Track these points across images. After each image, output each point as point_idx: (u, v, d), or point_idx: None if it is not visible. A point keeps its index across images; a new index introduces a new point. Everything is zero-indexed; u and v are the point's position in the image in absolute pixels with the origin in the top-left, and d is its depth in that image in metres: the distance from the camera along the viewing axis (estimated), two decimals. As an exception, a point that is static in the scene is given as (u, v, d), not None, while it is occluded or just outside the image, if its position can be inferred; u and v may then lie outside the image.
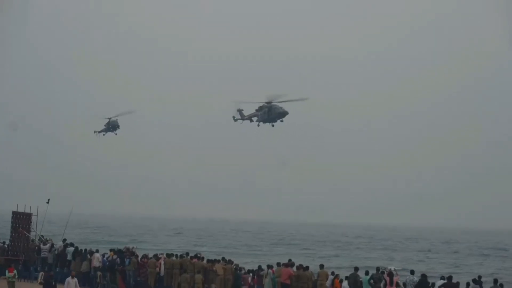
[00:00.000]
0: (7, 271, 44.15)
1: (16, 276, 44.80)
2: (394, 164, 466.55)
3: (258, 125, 77.38)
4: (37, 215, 57.48)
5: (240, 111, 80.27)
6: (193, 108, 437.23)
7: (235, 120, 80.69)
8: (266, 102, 75.58)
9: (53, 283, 39.75)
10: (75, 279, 40.16)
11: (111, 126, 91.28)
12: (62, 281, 42.24)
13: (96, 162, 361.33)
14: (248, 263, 74.30)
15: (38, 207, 57.52)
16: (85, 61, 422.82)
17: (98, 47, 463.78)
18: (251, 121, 78.75)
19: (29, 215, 57.28)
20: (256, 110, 77.57)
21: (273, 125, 75.67)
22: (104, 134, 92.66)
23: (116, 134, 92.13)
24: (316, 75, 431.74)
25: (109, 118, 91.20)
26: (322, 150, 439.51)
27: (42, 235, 57.69)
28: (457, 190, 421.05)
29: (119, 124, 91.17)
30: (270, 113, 75.05)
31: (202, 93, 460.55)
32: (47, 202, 58.38)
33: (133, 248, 53.26)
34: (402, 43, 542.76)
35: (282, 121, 74.89)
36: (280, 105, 74.56)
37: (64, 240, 55.63)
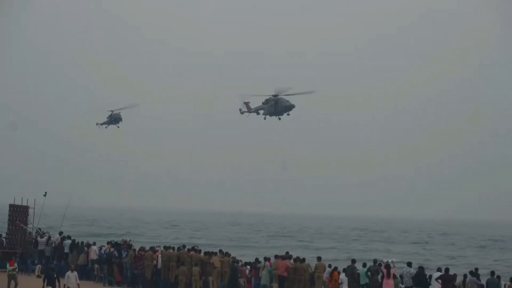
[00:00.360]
0: (8, 264, 44.03)
1: (17, 270, 44.70)
2: (392, 157, 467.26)
3: (265, 118, 76.81)
4: (34, 208, 57.40)
5: (246, 103, 79.66)
6: (193, 104, 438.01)
7: (242, 113, 79.95)
8: (272, 95, 75.04)
9: (55, 275, 39.72)
10: (75, 273, 40.13)
11: (114, 119, 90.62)
12: (60, 274, 42.14)
13: (94, 156, 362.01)
14: (245, 255, 74.39)
15: (35, 200, 57.47)
16: (85, 59, 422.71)
17: (99, 46, 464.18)
18: (258, 114, 78.17)
19: (26, 208, 57.18)
20: (263, 103, 76.87)
21: (279, 118, 75.13)
22: (106, 127, 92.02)
23: (118, 127, 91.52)
24: (316, 69, 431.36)
25: (112, 111, 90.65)
26: (321, 144, 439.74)
27: (39, 228, 57.63)
28: (456, 183, 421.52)
29: (122, 117, 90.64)
30: (276, 106, 74.43)
31: (202, 90, 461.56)
32: (44, 195, 58.29)
33: (130, 240, 53.30)
34: (401, 34, 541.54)
35: (288, 114, 74.25)
36: (287, 98, 74.05)
37: (61, 232, 55.60)
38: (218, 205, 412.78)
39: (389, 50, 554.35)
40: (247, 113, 79.63)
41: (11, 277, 42.92)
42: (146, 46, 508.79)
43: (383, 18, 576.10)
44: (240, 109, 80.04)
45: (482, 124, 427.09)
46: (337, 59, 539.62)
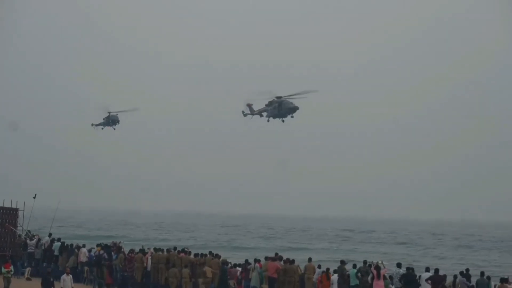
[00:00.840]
0: (3, 267, 43.88)
1: (12, 272, 44.56)
2: (395, 162, 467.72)
3: (268, 121, 75.75)
4: (23, 210, 57.30)
5: (249, 105, 78.73)
6: (190, 106, 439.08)
7: (245, 115, 78.68)
8: (276, 97, 74.09)
9: (51, 279, 39.61)
10: (70, 276, 40.03)
11: (111, 121, 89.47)
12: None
13: (84, 159, 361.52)
14: (234, 257, 74.35)
15: (24, 202, 57.39)
16: (80, 64, 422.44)
17: (94, 51, 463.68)
18: (261, 116, 77.18)
19: (15, 210, 57.07)
20: (266, 105, 75.80)
21: (283, 121, 74.07)
22: (102, 128, 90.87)
23: (114, 129, 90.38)
24: (319, 70, 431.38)
25: (109, 112, 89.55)
26: (320, 147, 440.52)
27: (29, 230, 57.50)
28: (458, 186, 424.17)
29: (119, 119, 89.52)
30: (280, 108, 73.16)
31: (200, 92, 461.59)
32: (34, 197, 58.21)
33: (119, 243, 53.22)
34: (409, 43, 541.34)
35: (292, 116, 73.10)
36: (291, 100, 73.10)
37: (50, 234, 55.47)
38: (211, 207, 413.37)
39: (409, 41, 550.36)
40: (250, 116, 78.68)
41: (6, 280, 42.82)
42: (145, 49, 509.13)
43: (388, 29, 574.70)
44: (243, 111, 78.97)
45: (485, 132, 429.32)
46: (342, 59, 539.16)
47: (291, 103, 72.82)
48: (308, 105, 74.98)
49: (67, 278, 39.47)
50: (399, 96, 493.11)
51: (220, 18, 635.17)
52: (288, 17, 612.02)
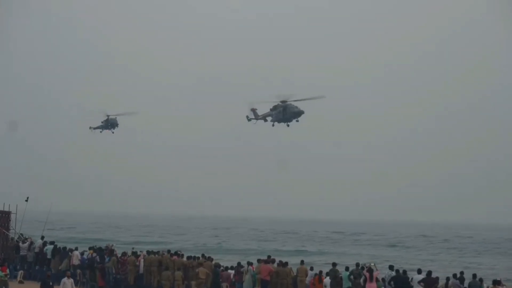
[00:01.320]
0: None
1: (9, 275, 44.46)
2: (398, 167, 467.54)
3: (273, 125, 74.98)
4: (16, 213, 57.22)
5: (254, 110, 78.10)
6: (188, 111, 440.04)
7: (249, 120, 77.86)
8: (281, 101, 73.45)
9: (51, 283, 39.52)
10: (71, 280, 39.89)
11: (110, 124, 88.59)
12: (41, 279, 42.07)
13: (80, 162, 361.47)
14: (224, 259, 74.37)
15: (17, 205, 57.34)
16: (78, 69, 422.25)
17: (92, 57, 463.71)
18: (265, 120, 76.42)
19: (8, 214, 56.99)
20: (271, 110, 74.99)
21: (288, 125, 73.34)
22: (101, 131, 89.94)
23: (113, 132, 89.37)
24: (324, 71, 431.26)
25: (108, 115, 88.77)
26: (322, 151, 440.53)
27: (21, 233, 57.41)
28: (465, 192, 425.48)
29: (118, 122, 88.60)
30: (285, 113, 72.52)
31: (199, 96, 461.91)
32: (26, 200, 58.12)
33: (112, 246, 53.23)
34: (422, 51, 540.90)
35: (297, 120, 72.21)
36: (296, 104, 72.47)
37: (43, 237, 55.39)
38: (203, 210, 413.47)
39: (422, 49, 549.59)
40: (254, 120, 78.02)
41: (3, 283, 42.70)
42: (145, 51, 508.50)
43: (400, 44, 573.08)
44: (247, 116, 78.28)
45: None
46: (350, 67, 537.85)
47: (296, 107, 72.07)
48: (314, 110, 74.85)
49: (68, 282, 39.32)
50: (401, 103, 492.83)
51: (224, 22, 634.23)
52: (302, 24, 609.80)
